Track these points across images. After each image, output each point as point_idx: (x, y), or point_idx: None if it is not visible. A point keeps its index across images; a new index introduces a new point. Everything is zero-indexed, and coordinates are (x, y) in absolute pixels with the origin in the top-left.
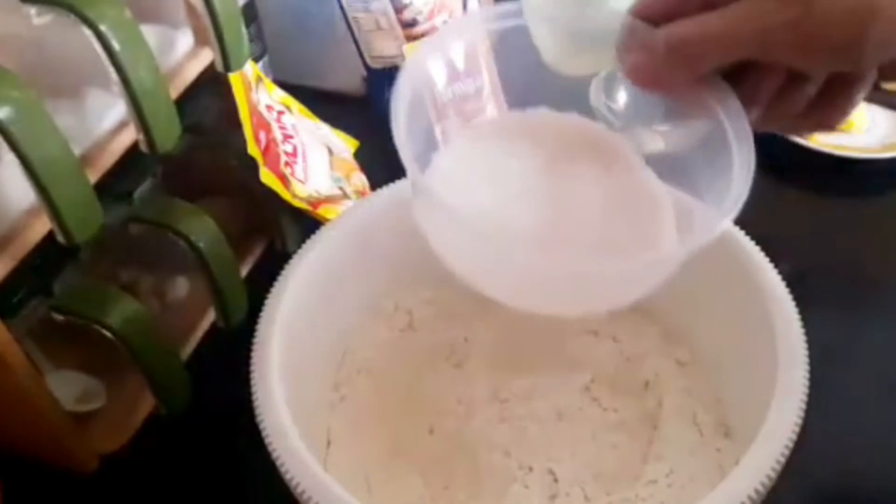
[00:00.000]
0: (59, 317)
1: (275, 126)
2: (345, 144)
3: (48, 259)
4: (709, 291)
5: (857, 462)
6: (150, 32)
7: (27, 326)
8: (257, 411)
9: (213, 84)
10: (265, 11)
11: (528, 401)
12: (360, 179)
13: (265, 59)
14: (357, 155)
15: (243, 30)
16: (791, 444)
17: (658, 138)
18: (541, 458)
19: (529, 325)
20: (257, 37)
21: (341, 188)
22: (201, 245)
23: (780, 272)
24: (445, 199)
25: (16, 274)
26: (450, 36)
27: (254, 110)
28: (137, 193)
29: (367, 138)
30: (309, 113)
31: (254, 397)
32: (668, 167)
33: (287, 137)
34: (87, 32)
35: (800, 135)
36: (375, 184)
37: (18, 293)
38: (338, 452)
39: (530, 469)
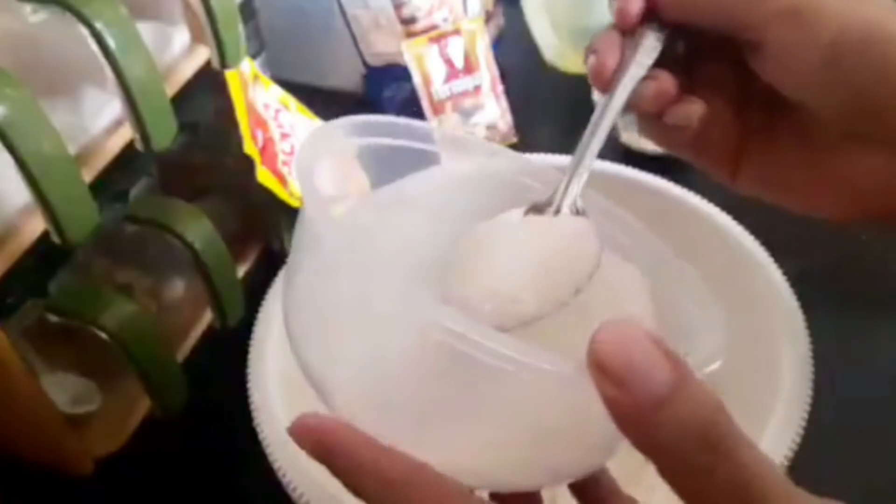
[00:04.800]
0: (54, 318)
1: (272, 124)
2: None
3: (43, 260)
4: (711, 291)
5: (860, 462)
6: (145, 30)
7: (22, 328)
8: (254, 413)
9: (209, 82)
10: (263, 8)
11: None
12: (358, 177)
13: (262, 56)
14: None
15: (240, 27)
16: (795, 447)
17: None
18: None
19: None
20: (254, 34)
21: None
22: (197, 245)
23: (783, 272)
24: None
25: (11, 275)
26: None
27: (251, 108)
28: (133, 193)
29: None
30: (307, 111)
31: (251, 399)
32: None
33: (285, 136)
34: (83, 30)
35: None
36: (375, 182)
37: (13, 294)
38: None
39: None
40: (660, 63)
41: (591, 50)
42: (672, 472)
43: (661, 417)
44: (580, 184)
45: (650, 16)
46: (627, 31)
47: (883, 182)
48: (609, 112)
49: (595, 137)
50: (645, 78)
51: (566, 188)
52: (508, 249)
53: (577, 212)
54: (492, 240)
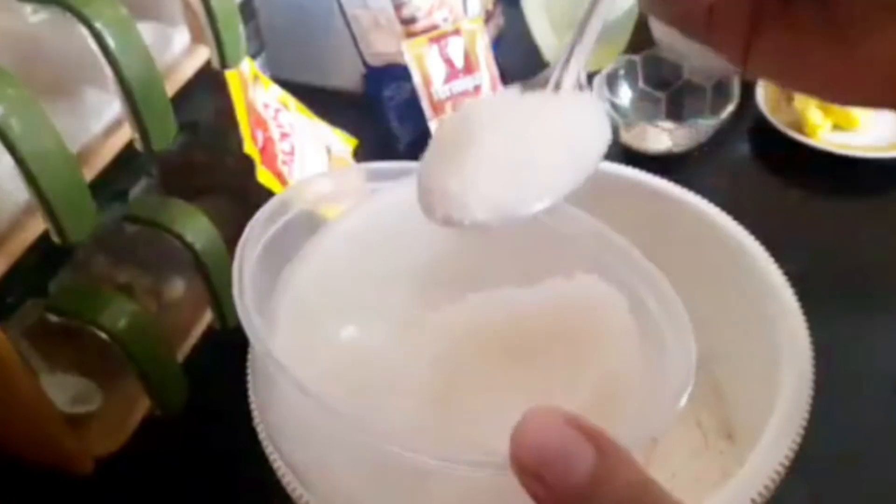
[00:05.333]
0: (54, 318)
1: (272, 124)
2: (343, 143)
3: (43, 259)
4: (712, 292)
5: (860, 462)
6: (145, 30)
7: (22, 328)
8: (254, 413)
9: (209, 82)
10: (263, 8)
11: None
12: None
13: (262, 56)
14: (356, 153)
15: (240, 27)
16: (796, 447)
17: (663, 135)
18: None
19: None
20: (254, 34)
21: None
22: (197, 245)
23: (783, 272)
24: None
25: (10, 274)
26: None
27: (251, 108)
28: (133, 193)
29: (366, 136)
30: (307, 111)
31: (250, 399)
32: None
33: (284, 136)
34: (83, 30)
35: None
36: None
37: (13, 294)
38: None
39: None
40: None
41: None
42: None
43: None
44: (584, 55)
45: None
46: None
47: None
48: None
49: (599, 4)
50: None
51: (567, 61)
52: (505, 131)
53: (581, 88)
54: (485, 119)
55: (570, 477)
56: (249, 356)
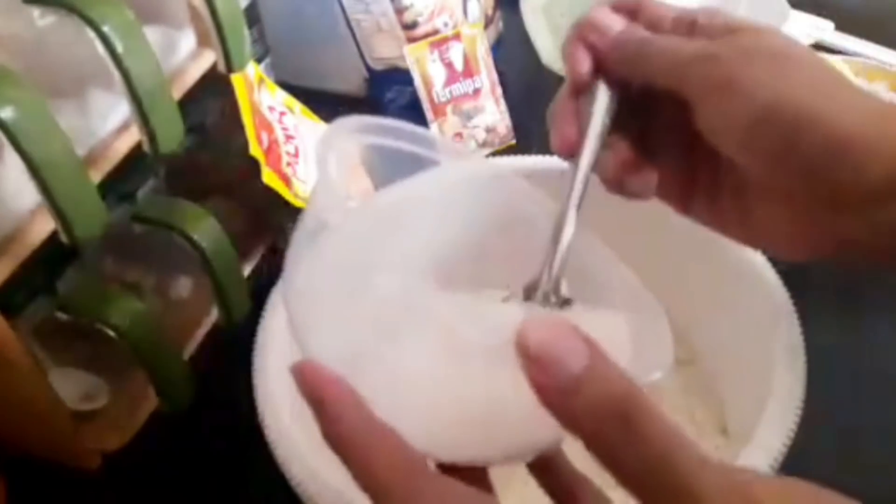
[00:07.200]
0: (62, 316)
1: (277, 127)
2: None
3: (52, 258)
4: (708, 290)
5: (857, 461)
6: (152, 33)
7: (31, 325)
8: (259, 410)
9: (215, 85)
10: (267, 13)
11: None
12: (362, 179)
13: (267, 60)
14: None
15: (245, 31)
16: (788, 443)
17: None
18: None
19: None
20: (259, 38)
21: None
22: (204, 245)
23: (778, 271)
24: None
25: (20, 273)
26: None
27: (256, 111)
28: (140, 193)
29: None
30: (311, 114)
31: (256, 396)
32: None
33: (289, 138)
34: (91, 33)
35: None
36: (377, 184)
37: (22, 292)
38: None
39: None
40: (618, 128)
41: (551, 125)
42: (592, 445)
43: (578, 396)
44: (560, 261)
45: (600, 74)
46: (581, 89)
47: (818, 232)
48: (578, 181)
49: (570, 210)
50: (605, 148)
51: (550, 271)
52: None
53: (564, 300)
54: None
55: (566, 366)
56: (255, 353)
